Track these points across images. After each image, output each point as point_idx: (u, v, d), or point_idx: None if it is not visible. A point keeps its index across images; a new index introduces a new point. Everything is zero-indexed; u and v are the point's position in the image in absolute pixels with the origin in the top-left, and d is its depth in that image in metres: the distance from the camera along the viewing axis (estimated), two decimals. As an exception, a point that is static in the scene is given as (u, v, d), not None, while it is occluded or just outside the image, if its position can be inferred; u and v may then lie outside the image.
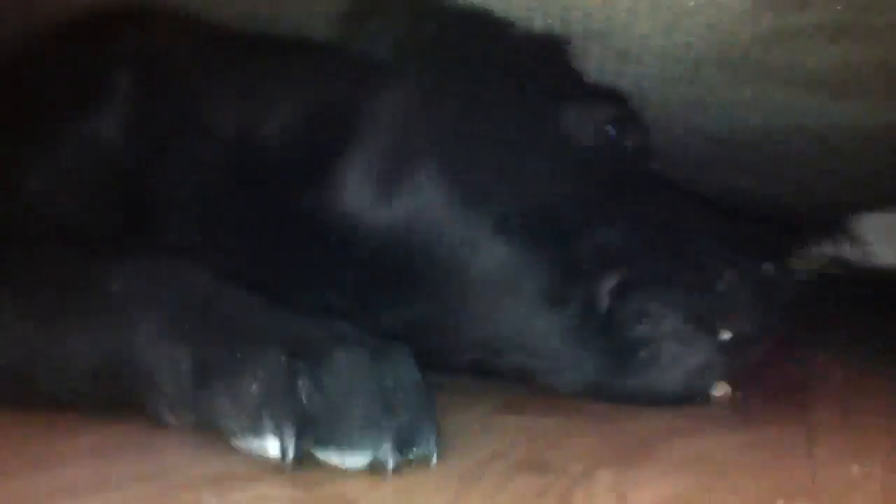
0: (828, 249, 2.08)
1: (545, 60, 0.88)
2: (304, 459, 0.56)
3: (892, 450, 0.64)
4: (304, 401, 0.55)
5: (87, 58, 0.85)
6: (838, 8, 0.81)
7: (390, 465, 0.56)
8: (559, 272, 0.73)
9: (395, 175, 0.75)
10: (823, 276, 2.02)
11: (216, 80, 0.83)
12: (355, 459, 0.55)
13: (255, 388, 0.56)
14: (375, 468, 0.56)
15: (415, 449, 0.57)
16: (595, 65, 0.99)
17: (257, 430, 0.56)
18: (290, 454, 0.55)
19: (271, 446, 0.56)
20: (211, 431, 0.60)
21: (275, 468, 0.57)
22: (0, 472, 0.56)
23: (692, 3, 0.82)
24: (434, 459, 0.58)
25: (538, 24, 0.90)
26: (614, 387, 0.74)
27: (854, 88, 0.98)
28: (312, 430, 0.55)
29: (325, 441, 0.55)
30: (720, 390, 0.79)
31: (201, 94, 0.82)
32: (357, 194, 0.75)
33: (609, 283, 0.72)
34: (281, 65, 0.83)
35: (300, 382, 0.55)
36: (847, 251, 2.05)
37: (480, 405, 0.78)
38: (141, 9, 0.92)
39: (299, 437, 0.55)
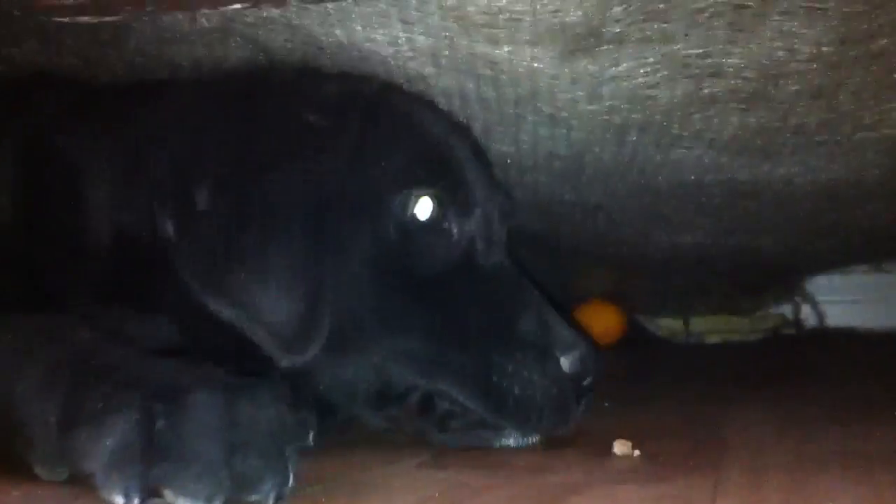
0: (783, 310, 2.12)
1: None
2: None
3: (787, 501, 0.66)
4: (155, 450, 0.56)
5: None
6: (750, 76, 0.85)
7: None
8: (374, 390, 0.84)
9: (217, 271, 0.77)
10: (776, 336, 2.06)
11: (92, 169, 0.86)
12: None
13: (109, 442, 0.57)
14: None
15: (253, 496, 0.58)
16: (530, 129, 1.03)
17: (109, 487, 0.57)
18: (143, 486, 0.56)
19: (119, 501, 0.56)
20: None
21: None
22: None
23: (612, 71, 0.86)
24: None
25: (470, 89, 0.94)
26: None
27: (775, 150, 1.02)
28: (158, 478, 0.56)
29: (169, 484, 0.56)
30: (620, 448, 0.82)
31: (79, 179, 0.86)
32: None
33: (413, 398, 0.84)
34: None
35: (156, 429, 0.57)
36: (801, 312, 2.09)
37: (405, 460, 0.80)
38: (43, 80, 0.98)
39: (143, 492, 0.56)
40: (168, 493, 0.56)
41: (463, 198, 0.87)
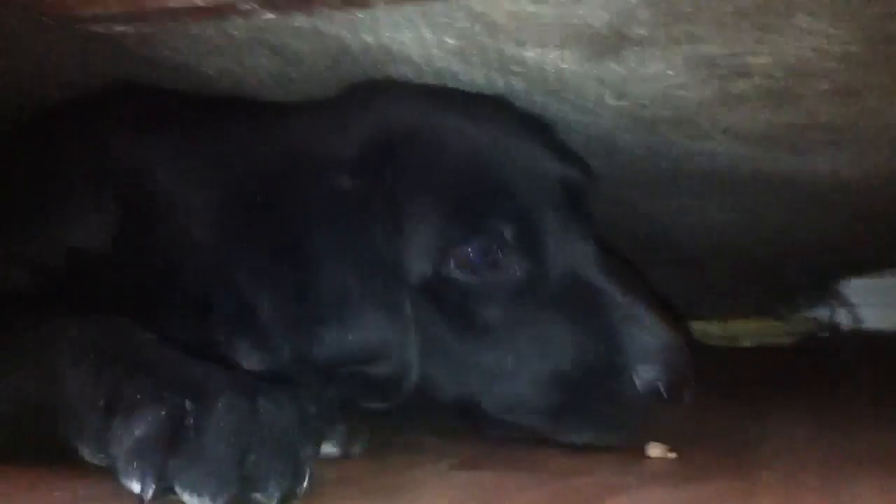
0: (819, 313, 2.10)
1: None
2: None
3: None
4: (175, 444, 0.60)
5: (70, 177, 0.94)
6: (778, 76, 0.85)
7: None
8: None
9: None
10: (812, 340, 2.04)
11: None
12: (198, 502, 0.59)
13: (137, 432, 0.61)
14: None
15: (258, 495, 0.60)
16: (556, 117, 1.03)
17: (128, 473, 0.60)
18: (147, 498, 0.59)
19: (135, 487, 0.60)
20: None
21: None
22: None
23: (639, 72, 0.86)
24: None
25: (499, 82, 0.94)
26: None
27: (804, 145, 1.02)
28: (172, 473, 0.59)
29: (177, 482, 0.59)
30: (655, 451, 0.82)
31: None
32: None
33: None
34: None
35: (182, 424, 0.60)
36: (837, 315, 2.07)
37: (438, 462, 0.80)
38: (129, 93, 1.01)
39: (159, 483, 0.59)
40: (178, 488, 0.59)
41: (520, 230, 0.86)
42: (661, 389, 0.80)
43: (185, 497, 0.59)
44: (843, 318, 2.08)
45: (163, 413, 0.61)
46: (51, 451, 0.69)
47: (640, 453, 0.83)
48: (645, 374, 0.80)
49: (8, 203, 0.96)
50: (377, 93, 0.94)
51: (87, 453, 0.67)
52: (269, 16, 0.80)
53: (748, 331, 2.06)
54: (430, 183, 0.85)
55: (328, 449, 0.80)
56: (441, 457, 0.82)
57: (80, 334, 0.72)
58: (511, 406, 0.85)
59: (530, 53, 0.85)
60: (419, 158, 0.86)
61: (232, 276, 0.83)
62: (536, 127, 0.97)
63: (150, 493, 0.59)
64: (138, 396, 0.63)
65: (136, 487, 0.60)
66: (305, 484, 0.62)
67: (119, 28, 0.79)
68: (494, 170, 0.87)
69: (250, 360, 0.80)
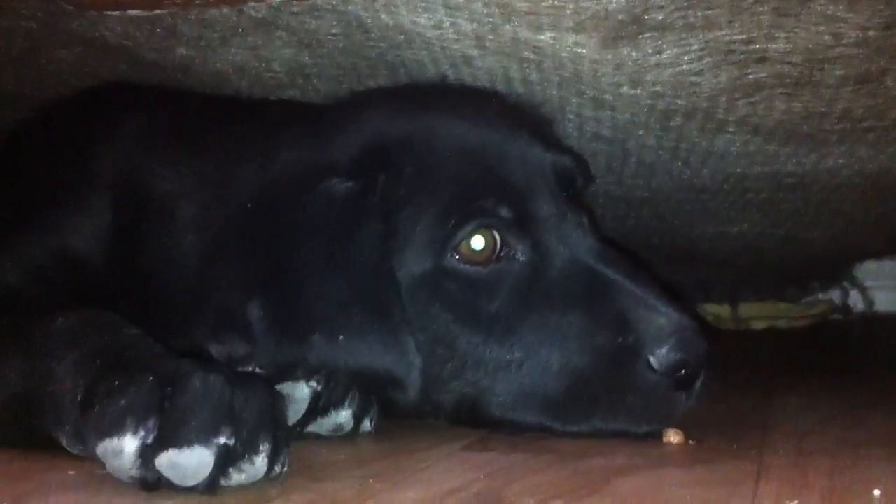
0: (832, 296, 2.10)
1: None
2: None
3: (831, 487, 0.66)
4: (160, 411, 0.61)
5: (65, 182, 0.97)
6: (795, 62, 0.84)
7: (210, 465, 0.60)
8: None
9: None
10: (824, 322, 2.04)
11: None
12: (191, 456, 0.60)
13: (123, 402, 0.62)
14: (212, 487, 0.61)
15: (241, 462, 0.62)
16: (574, 110, 1.04)
17: (120, 430, 0.61)
18: (136, 451, 0.61)
19: (128, 444, 0.61)
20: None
21: (240, 500, 0.62)
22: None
23: (655, 58, 0.86)
24: (259, 473, 0.63)
25: (514, 71, 0.95)
26: None
27: (822, 137, 1.01)
28: (162, 433, 0.61)
29: (170, 442, 0.60)
30: (674, 437, 0.82)
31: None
32: None
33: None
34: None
35: (162, 394, 0.62)
36: (849, 298, 2.07)
37: (450, 442, 0.81)
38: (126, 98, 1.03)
39: (158, 433, 0.60)
40: (171, 452, 0.60)
41: (516, 210, 0.85)
42: (681, 369, 0.80)
43: (182, 455, 0.60)
44: (855, 301, 2.07)
45: (147, 386, 0.62)
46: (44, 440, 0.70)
47: (656, 438, 0.83)
48: (663, 355, 0.80)
49: (4, 203, 0.98)
50: (371, 100, 0.96)
51: (65, 442, 0.69)
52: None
53: (760, 314, 2.06)
54: (425, 182, 0.85)
55: (341, 419, 0.82)
56: (453, 438, 0.83)
57: (63, 327, 0.73)
58: (520, 402, 0.83)
59: (546, 37, 0.85)
60: (413, 161, 0.86)
61: (223, 280, 0.83)
62: (529, 118, 0.97)
63: (151, 438, 0.60)
64: (116, 383, 0.63)
65: (129, 444, 0.60)
66: (284, 458, 0.64)
67: (134, 12, 0.79)
68: (486, 160, 0.87)
69: (240, 363, 0.80)
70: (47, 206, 0.95)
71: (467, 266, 0.84)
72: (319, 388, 0.79)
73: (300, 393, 0.79)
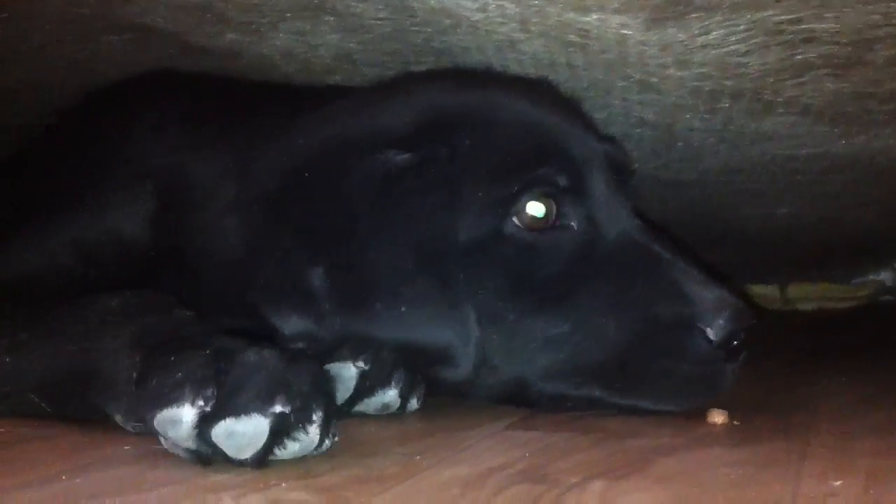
0: (882, 277, 2.07)
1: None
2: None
3: (875, 467, 0.66)
4: (217, 382, 0.63)
5: (113, 165, 0.99)
6: (843, 41, 0.84)
7: (265, 433, 0.62)
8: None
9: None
10: (873, 303, 2.02)
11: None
12: (248, 425, 0.62)
13: (179, 375, 0.64)
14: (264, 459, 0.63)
15: (295, 432, 0.63)
16: (620, 94, 1.04)
17: (178, 399, 0.63)
18: (195, 420, 0.62)
19: (186, 413, 0.62)
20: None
21: (288, 476, 0.63)
22: (51, 474, 0.63)
23: (702, 39, 0.86)
24: (313, 443, 0.64)
25: (559, 55, 0.95)
26: None
27: (870, 118, 1.00)
28: (220, 403, 0.62)
29: (227, 411, 0.62)
30: (718, 418, 0.82)
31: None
32: None
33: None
34: None
35: (217, 368, 0.63)
36: (902, 280, 2.04)
37: (495, 421, 0.83)
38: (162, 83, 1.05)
39: (215, 402, 0.62)
40: (228, 421, 0.62)
41: (573, 180, 0.87)
42: (734, 340, 0.81)
43: (239, 424, 0.62)
44: (908, 283, 2.05)
45: (202, 359, 0.64)
46: (101, 416, 0.73)
47: (696, 416, 0.83)
48: (720, 326, 0.81)
49: (56, 189, 1.01)
50: (423, 77, 0.97)
51: (120, 419, 0.71)
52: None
53: (808, 295, 2.04)
54: (484, 152, 0.86)
55: (387, 399, 0.83)
56: (497, 417, 0.84)
57: (117, 307, 0.76)
58: (571, 372, 0.84)
59: (591, 19, 0.85)
60: (472, 132, 0.87)
61: (280, 251, 0.85)
62: (578, 108, 0.99)
63: (209, 406, 0.62)
64: (172, 358, 0.65)
65: (187, 414, 0.62)
66: (336, 435, 0.66)
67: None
68: (545, 132, 0.89)
69: (298, 338, 0.82)
70: (95, 188, 0.98)
71: (526, 232, 0.85)
72: (367, 367, 0.81)
73: (348, 373, 0.80)
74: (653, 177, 1.28)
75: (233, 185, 0.92)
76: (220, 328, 0.73)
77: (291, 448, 0.64)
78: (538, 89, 0.96)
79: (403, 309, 0.82)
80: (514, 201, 0.85)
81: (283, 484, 0.62)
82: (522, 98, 0.92)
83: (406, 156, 0.85)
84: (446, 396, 0.89)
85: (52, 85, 1.14)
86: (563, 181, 0.86)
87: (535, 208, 0.85)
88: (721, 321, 0.81)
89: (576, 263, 0.86)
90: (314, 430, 0.64)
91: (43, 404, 0.76)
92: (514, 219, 0.85)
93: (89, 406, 0.73)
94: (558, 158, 0.87)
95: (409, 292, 0.82)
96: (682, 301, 0.83)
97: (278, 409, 0.62)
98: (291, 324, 0.83)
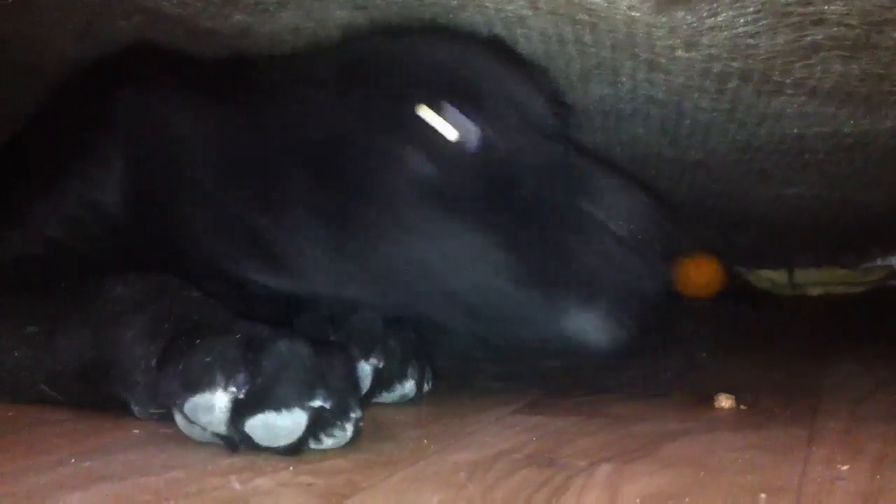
0: (891, 262, 2.07)
1: None
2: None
3: (883, 453, 0.66)
4: (249, 368, 0.62)
5: (84, 132, 0.96)
6: (853, 23, 0.83)
7: (304, 420, 0.62)
8: None
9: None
10: (882, 288, 2.01)
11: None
12: (285, 419, 0.62)
13: (208, 359, 0.63)
14: (297, 450, 0.63)
15: (332, 428, 0.64)
16: (628, 73, 1.03)
17: (209, 384, 0.62)
18: (227, 408, 0.62)
19: (219, 399, 0.62)
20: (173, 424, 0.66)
21: (293, 460, 0.63)
22: (58, 459, 0.63)
23: (711, 21, 0.85)
24: (347, 438, 0.64)
25: (568, 32, 0.94)
26: None
27: (881, 99, 1.00)
28: (253, 391, 0.62)
29: (265, 404, 0.61)
30: (725, 402, 0.82)
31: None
32: None
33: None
34: None
35: (247, 356, 0.62)
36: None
37: (502, 406, 0.83)
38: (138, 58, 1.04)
39: (248, 389, 0.61)
40: (262, 414, 0.61)
41: (490, 112, 0.83)
42: (647, 238, 0.79)
43: (273, 418, 0.61)
44: (918, 267, 2.04)
45: (228, 345, 0.63)
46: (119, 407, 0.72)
47: (703, 402, 0.83)
48: (624, 225, 0.79)
49: (38, 165, 0.99)
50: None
51: (137, 410, 0.70)
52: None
53: (817, 280, 2.03)
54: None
55: (405, 390, 0.83)
56: (504, 402, 0.84)
57: (126, 294, 0.75)
58: (489, 305, 0.80)
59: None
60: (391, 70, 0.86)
61: (246, 207, 0.84)
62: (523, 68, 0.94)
63: (242, 393, 0.61)
64: (197, 342, 0.64)
65: (219, 400, 0.61)
66: (360, 422, 0.66)
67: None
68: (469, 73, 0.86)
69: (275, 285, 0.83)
70: (73, 158, 0.95)
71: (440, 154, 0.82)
72: (381, 364, 0.80)
73: (363, 371, 0.80)
74: (659, 154, 1.27)
75: (210, 148, 0.90)
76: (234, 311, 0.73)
77: (326, 443, 0.64)
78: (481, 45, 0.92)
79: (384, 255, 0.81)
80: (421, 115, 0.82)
81: (291, 468, 0.62)
82: (456, 47, 0.89)
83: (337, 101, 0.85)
84: (453, 380, 0.89)
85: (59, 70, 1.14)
86: (480, 114, 0.83)
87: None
88: (625, 220, 0.79)
89: (495, 190, 0.82)
90: (350, 427, 0.64)
91: (56, 395, 0.76)
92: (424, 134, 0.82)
93: (105, 396, 0.73)
94: (480, 95, 0.84)
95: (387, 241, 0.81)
96: (588, 207, 0.80)
97: (318, 403, 0.62)
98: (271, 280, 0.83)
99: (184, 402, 0.63)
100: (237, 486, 0.58)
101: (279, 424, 0.62)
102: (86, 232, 0.91)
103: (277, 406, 0.62)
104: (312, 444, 0.64)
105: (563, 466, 0.63)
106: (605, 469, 0.63)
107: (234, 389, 0.62)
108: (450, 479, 0.60)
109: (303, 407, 0.62)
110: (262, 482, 0.59)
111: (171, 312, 0.71)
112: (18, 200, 0.94)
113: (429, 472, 0.62)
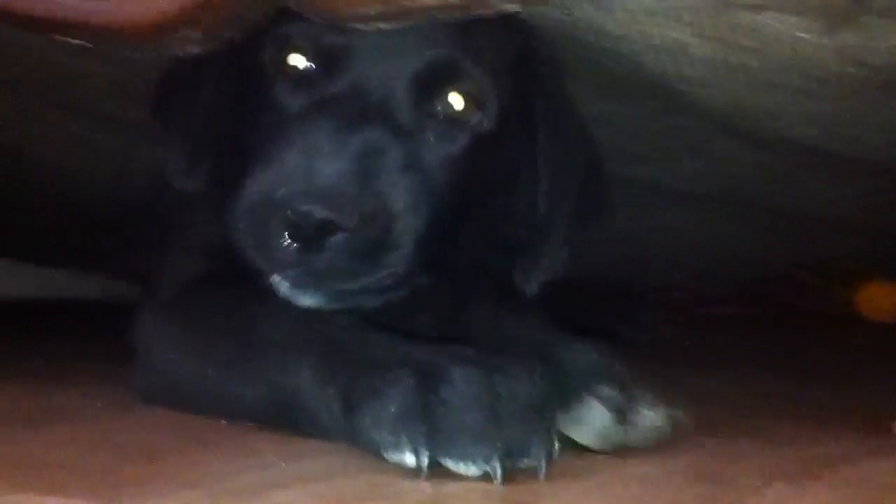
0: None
1: None
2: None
3: None
4: (432, 417, 0.64)
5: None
6: None
7: (498, 474, 0.62)
8: None
9: None
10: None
11: None
12: (470, 470, 0.63)
13: (393, 409, 0.65)
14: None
15: (525, 460, 0.64)
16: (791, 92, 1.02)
17: (398, 447, 0.64)
18: (425, 467, 0.63)
19: (409, 459, 0.64)
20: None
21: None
22: (264, 462, 0.69)
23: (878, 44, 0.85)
24: (542, 470, 0.64)
25: (731, 57, 0.94)
26: None
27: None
28: (438, 444, 0.63)
29: (446, 453, 0.63)
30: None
31: None
32: None
33: None
34: None
35: (429, 398, 0.64)
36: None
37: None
38: None
39: (431, 451, 0.63)
40: (448, 462, 0.63)
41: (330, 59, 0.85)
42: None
43: (461, 468, 0.63)
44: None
45: (412, 386, 0.65)
46: None
47: (884, 427, 0.82)
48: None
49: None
50: None
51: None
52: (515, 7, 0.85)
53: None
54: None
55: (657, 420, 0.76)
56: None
57: (282, 334, 0.77)
58: None
59: (766, 19, 0.85)
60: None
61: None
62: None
63: (425, 461, 0.63)
64: (377, 383, 0.66)
65: (409, 460, 0.64)
66: (556, 450, 0.65)
67: (380, 25, 0.86)
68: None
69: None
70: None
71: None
72: (619, 395, 0.75)
73: (598, 415, 0.74)
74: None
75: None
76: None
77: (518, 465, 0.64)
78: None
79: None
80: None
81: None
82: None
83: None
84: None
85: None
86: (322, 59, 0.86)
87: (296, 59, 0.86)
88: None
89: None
90: (528, 461, 0.64)
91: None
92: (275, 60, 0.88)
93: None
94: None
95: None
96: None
97: (497, 456, 0.63)
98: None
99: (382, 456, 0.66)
100: (429, 489, 0.62)
101: (462, 472, 0.63)
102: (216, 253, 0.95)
103: (456, 459, 0.63)
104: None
105: (736, 485, 0.65)
106: (775, 490, 0.64)
107: (419, 448, 0.63)
108: (625, 489, 0.63)
109: (486, 459, 0.62)
110: (451, 487, 0.63)
111: (332, 350, 0.73)
112: (177, 242, 1.03)
113: (603, 484, 0.64)
